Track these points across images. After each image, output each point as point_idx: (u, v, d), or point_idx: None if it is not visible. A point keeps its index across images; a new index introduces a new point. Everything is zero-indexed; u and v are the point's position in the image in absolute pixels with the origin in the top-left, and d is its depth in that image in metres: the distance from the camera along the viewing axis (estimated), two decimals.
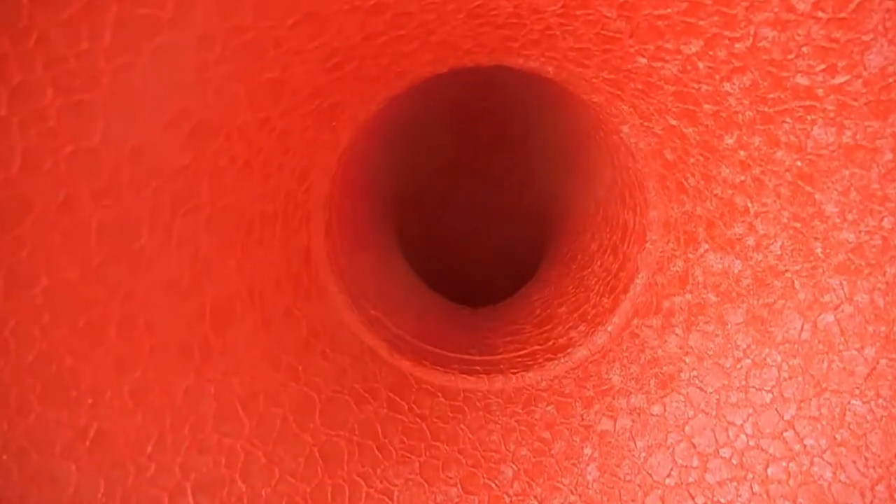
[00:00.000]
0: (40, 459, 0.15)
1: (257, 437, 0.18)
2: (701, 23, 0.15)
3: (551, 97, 0.20)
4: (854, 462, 0.16)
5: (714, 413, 0.18)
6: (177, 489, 0.17)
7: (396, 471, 0.19)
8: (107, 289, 0.16)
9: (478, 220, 0.30)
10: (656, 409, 0.19)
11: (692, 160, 0.18)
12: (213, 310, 0.17)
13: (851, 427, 0.16)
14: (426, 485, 0.19)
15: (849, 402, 0.16)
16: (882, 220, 0.15)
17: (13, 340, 0.15)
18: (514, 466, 0.20)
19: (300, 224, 0.20)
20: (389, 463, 0.19)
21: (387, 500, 0.19)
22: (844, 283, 0.16)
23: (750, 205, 0.17)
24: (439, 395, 0.22)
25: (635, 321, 0.20)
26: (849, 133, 0.14)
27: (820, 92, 0.14)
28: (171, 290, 0.16)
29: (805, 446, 0.17)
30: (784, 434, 0.17)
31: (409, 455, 0.20)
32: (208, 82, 0.14)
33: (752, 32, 0.14)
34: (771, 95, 0.15)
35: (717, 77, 0.16)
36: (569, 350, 0.21)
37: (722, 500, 0.17)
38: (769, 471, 0.17)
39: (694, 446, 0.18)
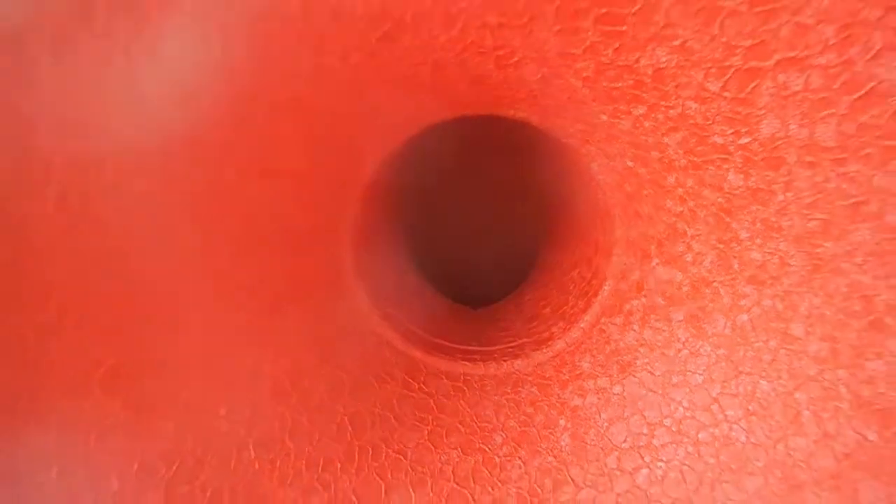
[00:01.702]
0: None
1: (302, 407, 0.23)
2: (644, 94, 0.20)
3: (536, 139, 0.25)
4: (761, 427, 0.21)
5: (660, 392, 0.23)
6: (242, 444, 0.22)
7: (409, 436, 0.24)
8: (192, 298, 0.21)
9: (478, 234, 0.35)
10: (617, 389, 0.24)
11: (645, 193, 0.23)
12: (269, 306, 0.22)
13: (760, 401, 0.21)
14: (433, 447, 0.24)
15: (758, 382, 0.21)
16: (779, 244, 0.20)
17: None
18: (503, 434, 0.25)
19: (336, 239, 0.25)
20: (404, 430, 0.24)
21: (402, 458, 0.24)
22: (754, 291, 0.21)
23: (687, 229, 0.22)
24: (444, 377, 0.27)
25: (602, 320, 0.25)
26: (753, 179, 0.19)
27: (731, 148, 0.19)
28: (240, 290, 0.21)
29: (726, 416, 0.21)
30: (711, 407, 0.22)
31: (419, 424, 0.25)
32: (279, 141, 0.19)
33: (681, 103, 0.19)
34: (698, 148, 0.20)
35: (659, 132, 0.20)
36: (550, 342, 0.26)
37: (664, 459, 0.22)
38: (700, 435, 0.22)
39: (644, 418, 0.23)
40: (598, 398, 0.24)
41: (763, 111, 0.18)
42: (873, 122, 0.17)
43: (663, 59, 0.18)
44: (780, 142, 0.18)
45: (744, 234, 0.20)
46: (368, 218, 0.27)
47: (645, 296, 0.24)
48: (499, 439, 0.25)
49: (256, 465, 0.22)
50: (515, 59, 0.20)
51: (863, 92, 0.17)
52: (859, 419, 0.19)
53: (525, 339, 0.27)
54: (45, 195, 0.19)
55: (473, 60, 0.20)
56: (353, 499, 0.22)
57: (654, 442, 0.22)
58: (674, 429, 0.22)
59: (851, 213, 0.18)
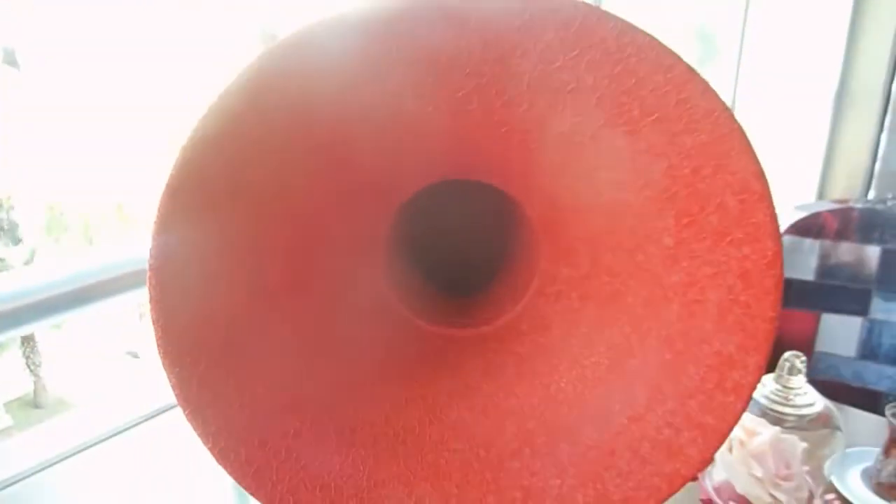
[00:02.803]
0: None
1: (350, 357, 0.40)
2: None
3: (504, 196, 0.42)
4: (623, 357, 0.38)
5: (565, 343, 0.40)
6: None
7: (424, 370, 0.41)
8: None
9: (464, 246, 0.52)
10: (542, 340, 0.41)
11: (557, 242, 0.40)
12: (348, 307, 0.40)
13: (619, 345, 0.38)
14: (436, 376, 0.41)
15: (624, 329, 0.38)
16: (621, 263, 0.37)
17: None
18: (479, 369, 0.42)
19: (375, 259, 0.42)
20: (421, 368, 0.42)
21: (414, 377, 0.41)
22: (613, 280, 0.38)
23: (578, 257, 0.39)
24: (442, 339, 0.44)
25: (534, 300, 0.43)
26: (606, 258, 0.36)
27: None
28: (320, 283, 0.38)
29: (602, 351, 0.39)
30: (595, 348, 0.39)
31: (430, 365, 0.42)
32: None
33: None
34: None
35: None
36: (504, 314, 0.43)
37: (565, 379, 0.39)
38: (586, 363, 0.39)
39: (556, 356, 0.40)
40: (534, 345, 0.42)
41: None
42: None
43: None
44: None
45: (605, 259, 0.38)
46: (391, 243, 0.44)
47: (556, 285, 0.41)
48: (478, 373, 0.42)
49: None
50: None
51: None
52: None
53: (491, 313, 0.45)
54: None
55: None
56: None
57: (560, 368, 0.40)
58: (572, 360, 0.40)
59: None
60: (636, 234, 0.38)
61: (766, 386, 0.54)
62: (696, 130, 0.32)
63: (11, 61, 9.99)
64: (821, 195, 2.03)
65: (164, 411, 0.88)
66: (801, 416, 0.52)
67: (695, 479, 0.57)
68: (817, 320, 1.54)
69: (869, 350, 1.52)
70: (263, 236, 0.35)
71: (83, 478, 0.82)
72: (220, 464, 0.36)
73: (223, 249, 0.34)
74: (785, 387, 0.53)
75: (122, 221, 10.08)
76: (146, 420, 0.86)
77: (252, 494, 0.36)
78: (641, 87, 0.31)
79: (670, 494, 0.37)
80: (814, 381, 1.59)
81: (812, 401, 0.53)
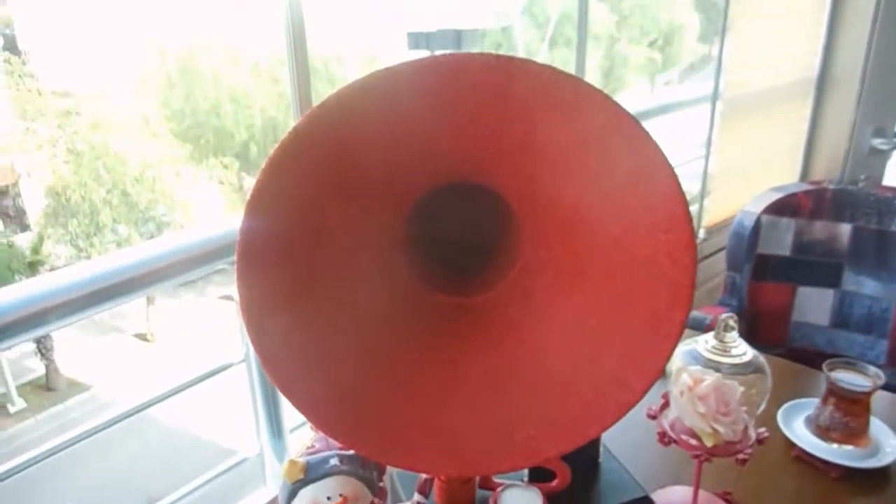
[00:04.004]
0: None
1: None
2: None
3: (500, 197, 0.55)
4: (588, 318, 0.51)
5: (543, 307, 0.53)
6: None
7: (437, 326, 0.55)
8: None
9: (465, 236, 0.65)
10: (525, 305, 0.54)
11: (535, 232, 0.53)
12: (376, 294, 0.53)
13: (584, 304, 0.51)
14: (445, 333, 0.55)
15: (573, 294, 0.51)
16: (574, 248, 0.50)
17: None
18: (477, 329, 0.55)
19: (398, 247, 0.55)
20: (433, 327, 0.55)
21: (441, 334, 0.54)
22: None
23: (549, 245, 0.52)
24: (449, 306, 0.57)
25: (520, 274, 0.56)
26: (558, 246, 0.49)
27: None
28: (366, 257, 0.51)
29: (568, 310, 0.52)
30: (562, 306, 0.52)
31: (440, 325, 0.55)
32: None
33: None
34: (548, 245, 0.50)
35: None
36: (496, 285, 0.56)
37: (543, 334, 0.53)
38: (554, 320, 0.52)
39: (536, 318, 0.53)
40: (522, 307, 0.55)
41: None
42: None
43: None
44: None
45: (572, 244, 0.50)
46: (407, 233, 0.57)
47: (536, 264, 0.54)
48: (475, 331, 0.55)
49: None
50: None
51: None
52: None
53: (486, 286, 0.58)
54: None
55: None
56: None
57: (540, 326, 0.53)
58: (549, 320, 0.53)
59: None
60: (594, 225, 0.51)
61: (708, 342, 0.67)
62: (633, 156, 0.45)
63: (12, 48, 10.04)
64: (804, 177, 2.15)
65: (175, 392, 0.92)
66: (736, 364, 0.65)
67: (653, 417, 0.71)
68: (793, 293, 1.68)
69: (841, 319, 1.66)
70: (324, 225, 0.49)
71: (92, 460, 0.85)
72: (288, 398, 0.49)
73: (293, 233, 0.47)
74: (722, 341, 0.66)
75: (129, 207, 10.19)
76: (159, 401, 0.89)
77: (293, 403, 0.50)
78: (587, 122, 0.44)
79: (620, 417, 0.51)
80: (790, 348, 1.73)
81: (744, 351, 0.66)
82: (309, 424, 0.59)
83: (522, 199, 0.54)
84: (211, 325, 10.06)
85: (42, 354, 9.19)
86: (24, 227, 10.49)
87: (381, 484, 0.59)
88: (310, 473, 0.55)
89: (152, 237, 10.33)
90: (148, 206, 10.43)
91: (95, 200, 10.01)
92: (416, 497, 0.63)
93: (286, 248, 0.48)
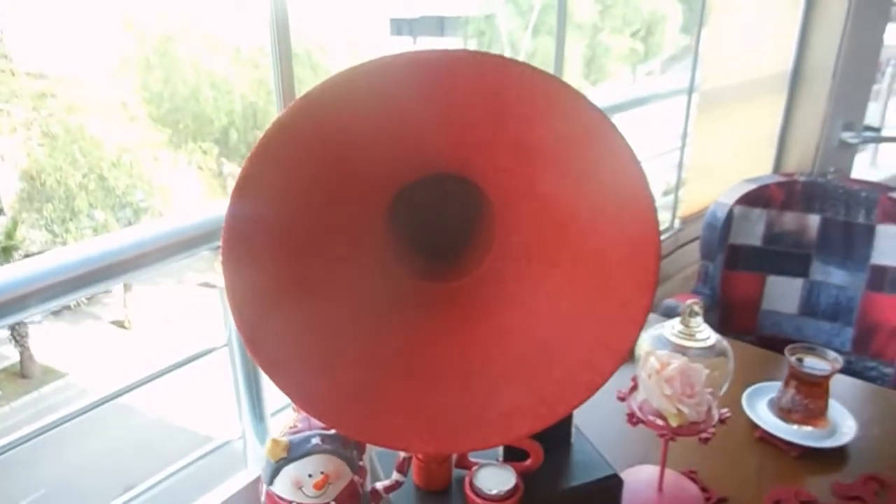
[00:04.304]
0: None
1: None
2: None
3: (477, 187, 0.57)
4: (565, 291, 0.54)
5: (516, 292, 0.56)
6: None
7: (416, 310, 0.57)
8: None
9: (444, 223, 0.67)
10: (499, 289, 0.57)
11: (509, 220, 0.55)
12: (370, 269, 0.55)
13: (558, 282, 0.54)
14: (424, 316, 0.57)
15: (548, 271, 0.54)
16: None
17: None
18: (454, 312, 0.58)
19: (380, 229, 0.57)
20: (414, 310, 0.57)
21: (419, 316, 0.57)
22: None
23: (520, 231, 0.54)
24: (428, 290, 0.60)
25: (494, 260, 0.58)
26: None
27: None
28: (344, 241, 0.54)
29: (540, 289, 0.54)
30: (536, 283, 0.55)
31: (420, 308, 0.58)
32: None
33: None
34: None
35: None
36: (475, 270, 0.59)
37: (516, 317, 0.55)
38: (525, 298, 0.55)
39: (510, 301, 0.56)
40: (495, 290, 0.57)
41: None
42: None
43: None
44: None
45: (544, 231, 0.53)
46: (390, 217, 0.59)
47: (509, 250, 0.57)
48: (452, 314, 0.58)
49: None
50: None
51: None
52: None
53: (463, 271, 0.60)
54: None
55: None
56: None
57: (513, 309, 0.56)
58: (522, 304, 0.55)
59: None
60: (565, 215, 0.53)
61: (675, 327, 0.70)
62: (603, 152, 0.47)
63: None
64: (776, 169, 2.20)
65: (158, 376, 0.91)
66: (701, 348, 0.68)
67: (623, 399, 0.74)
68: (763, 282, 1.73)
69: (809, 308, 1.71)
70: (308, 212, 0.51)
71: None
72: (273, 380, 0.51)
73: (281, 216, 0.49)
74: (687, 326, 0.69)
75: (106, 192, 10.05)
76: (136, 387, 0.89)
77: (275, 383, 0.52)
78: (560, 119, 0.47)
79: (589, 396, 0.53)
80: (760, 335, 1.78)
81: (708, 335, 0.69)
82: (291, 406, 0.62)
83: (496, 188, 0.56)
84: (189, 312, 9.99)
85: (16, 341, 9.07)
86: None
87: (360, 463, 0.62)
88: (292, 452, 0.57)
89: (129, 223, 10.21)
90: (125, 191, 10.29)
91: (71, 185, 9.86)
92: (395, 475, 0.65)
93: (271, 235, 0.50)
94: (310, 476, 0.57)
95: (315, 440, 0.58)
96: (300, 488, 0.57)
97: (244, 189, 0.48)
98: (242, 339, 0.51)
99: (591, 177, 0.50)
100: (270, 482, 0.58)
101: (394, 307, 0.59)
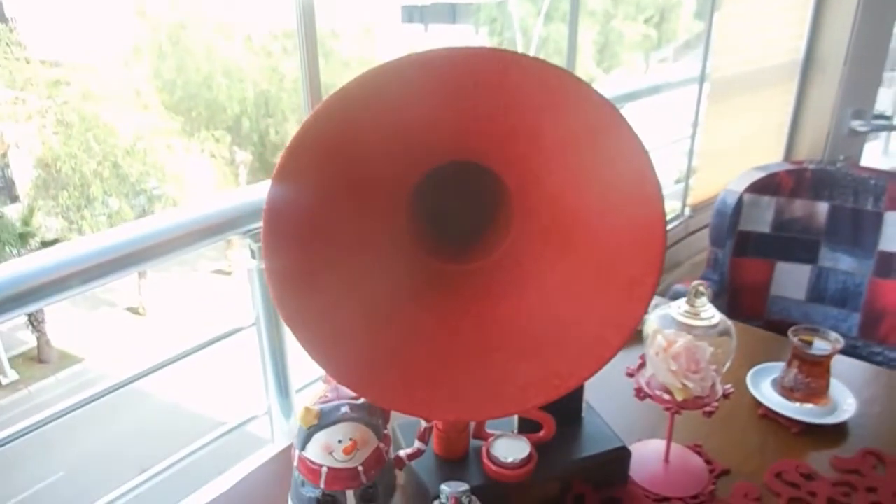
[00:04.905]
0: None
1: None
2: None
3: (495, 174, 0.61)
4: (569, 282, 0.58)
5: (533, 273, 0.60)
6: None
7: (439, 291, 0.61)
8: None
9: (463, 209, 0.71)
10: (517, 271, 0.61)
11: (525, 208, 0.59)
12: (382, 257, 0.59)
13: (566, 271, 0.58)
14: (444, 298, 0.61)
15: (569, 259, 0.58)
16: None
17: None
18: (474, 293, 0.62)
19: (403, 215, 0.61)
20: (434, 292, 0.61)
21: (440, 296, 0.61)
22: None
23: (538, 217, 0.58)
24: (448, 273, 0.64)
25: (514, 242, 0.62)
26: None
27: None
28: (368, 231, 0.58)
29: (550, 273, 0.58)
30: (550, 268, 0.59)
31: (440, 290, 0.62)
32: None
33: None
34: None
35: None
36: (491, 254, 0.63)
37: (533, 298, 0.59)
38: (532, 282, 0.59)
39: (527, 283, 0.60)
40: (511, 273, 0.61)
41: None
42: None
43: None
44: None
45: (559, 215, 0.57)
46: (413, 202, 0.63)
47: (526, 234, 0.61)
48: (471, 295, 0.62)
49: None
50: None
51: None
52: None
53: (482, 254, 0.65)
54: None
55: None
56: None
57: (530, 290, 0.60)
58: (538, 285, 0.59)
59: None
60: (578, 201, 0.57)
61: (681, 307, 0.73)
62: (614, 141, 0.51)
63: (0, 16, 9.90)
64: (787, 157, 2.22)
65: (177, 359, 0.95)
66: (705, 327, 0.72)
67: (631, 376, 0.78)
68: (772, 268, 1.76)
69: (817, 294, 1.74)
70: (340, 197, 0.55)
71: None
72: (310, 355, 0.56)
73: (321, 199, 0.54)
74: (693, 306, 0.73)
75: (120, 180, 10.15)
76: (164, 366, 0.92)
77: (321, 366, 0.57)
78: (573, 111, 0.51)
79: (599, 369, 0.57)
80: (768, 320, 1.82)
81: (712, 315, 0.72)
82: (322, 377, 0.66)
83: (513, 175, 0.60)
84: (203, 299, 10.11)
85: (34, 327, 9.22)
86: (13, 199, 10.43)
87: (385, 431, 0.66)
88: (323, 420, 0.62)
89: (143, 210, 10.31)
90: (139, 178, 10.39)
91: (86, 172, 9.96)
92: (417, 444, 0.70)
93: (307, 219, 0.54)
94: (339, 442, 0.61)
95: (344, 409, 0.62)
96: (330, 453, 0.62)
97: (282, 176, 0.52)
98: (282, 316, 0.55)
99: (601, 164, 0.54)
100: (303, 448, 0.63)
101: (417, 288, 0.63)
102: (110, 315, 10.11)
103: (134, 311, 10.21)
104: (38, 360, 9.38)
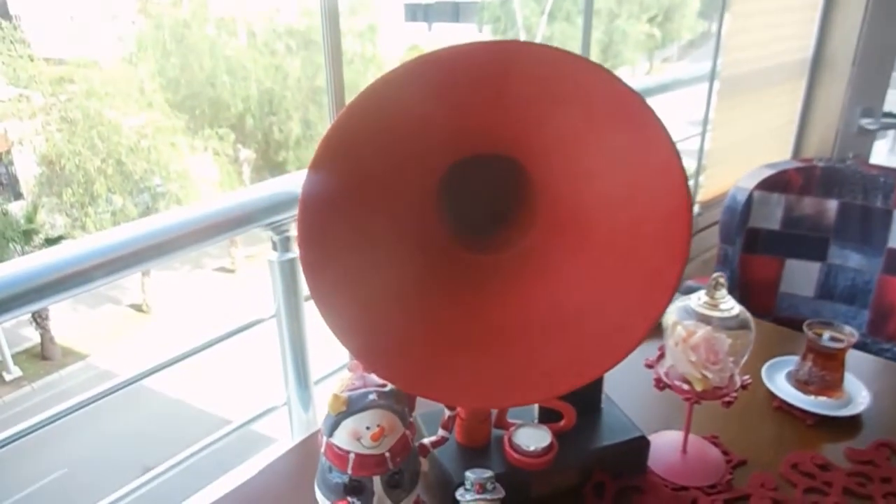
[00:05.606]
0: None
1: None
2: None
3: (516, 162, 0.62)
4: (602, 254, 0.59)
5: (557, 263, 0.61)
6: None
7: (465, 280, 0.62)
8: None
9: (489, 200, 0.72)
10: (542, 262, 0.62)
11: (550, 200, 0.60)
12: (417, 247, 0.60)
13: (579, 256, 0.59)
14: (469, 286, 0.62)
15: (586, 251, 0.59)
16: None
17: None
18: (499, 283, 0.63)
19: (430, 206, 0.62)
20: (459, 280, 0.63)
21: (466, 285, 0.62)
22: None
23: (564, 207, 0.59)
24: (475, 263, 0.65)
25: (537, 233, 0.63)
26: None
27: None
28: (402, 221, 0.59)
29: (574, 263, 0.60)
30: (571, 258, 0.60)
31: (466, 278, 0.63)
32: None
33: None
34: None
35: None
36: (517, 244, 0.64)
37: (557, 286, 0.60)
38: (562, 268, 0.60)
39: (551, 273, 0.61)
40: (535, 266, 0.62)
41: None
42: None
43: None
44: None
45: (582, 207, 0.58)
46: (439, 194, 0.64)
47: (550, 225, 0.62)
48: (497, 284, 0.63)
49: None
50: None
51: None
52: None
53: (508, 245, 0.66)
54: None
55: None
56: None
57: (554, 279, 0.61)
58: (562, 274, 0.60)
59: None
60: (603, 191, 0.58)
61: (700, 299, 0.74)
62: (638, 130, 0.52)
63: (3, 13, 9.91)
64: (795, 155, 2.23)
65: (208, 346, 0.96)
66: (724, 318, 0.73)
67: (650, 367, 0.79)
68: (782, 265, 1.76)
69: (826, 291, 1.75)
70: (371, 187, 0.56)
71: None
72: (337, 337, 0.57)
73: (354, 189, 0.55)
74: (713, 297, 0.74)
75: (124, 177, 10.17)
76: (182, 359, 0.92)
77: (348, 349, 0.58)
78: (596, 101, 0.52)
79: (622, 359, 0.58)
80: (777, 317, 1.82)
81: (732, 306, 0.73)
82: (347, 365, 0.67)
83: (541, 167, 0.61)
84: (207, 296, 10.13)
85: (37, 323, 9.24)
86: (17, 196, 10.46)
87: (410, 419, 0.67)
88: (350, 406, 0.63)
89: (147, 208, 10.33)
90: (143, 176, 10.40)
91: (90, 169, 9.96)
92: (441, 432, 0.71)
93: (340, 209, 0.55)
94: (367, 428, 0.62)
95: (372, 396, 0.63)
96: (358, 439, 0.63)
97: (317, 167, 0.53)
98: (315, 303, 0.56)
99: (628, 154, 0.55)
100: (331, 434, 0.64)
101: (444, 276, 0.64)
102: (114, 312, 10.13)
103: (138, 308, 10.23)
104: (42, 356, 9.40)
